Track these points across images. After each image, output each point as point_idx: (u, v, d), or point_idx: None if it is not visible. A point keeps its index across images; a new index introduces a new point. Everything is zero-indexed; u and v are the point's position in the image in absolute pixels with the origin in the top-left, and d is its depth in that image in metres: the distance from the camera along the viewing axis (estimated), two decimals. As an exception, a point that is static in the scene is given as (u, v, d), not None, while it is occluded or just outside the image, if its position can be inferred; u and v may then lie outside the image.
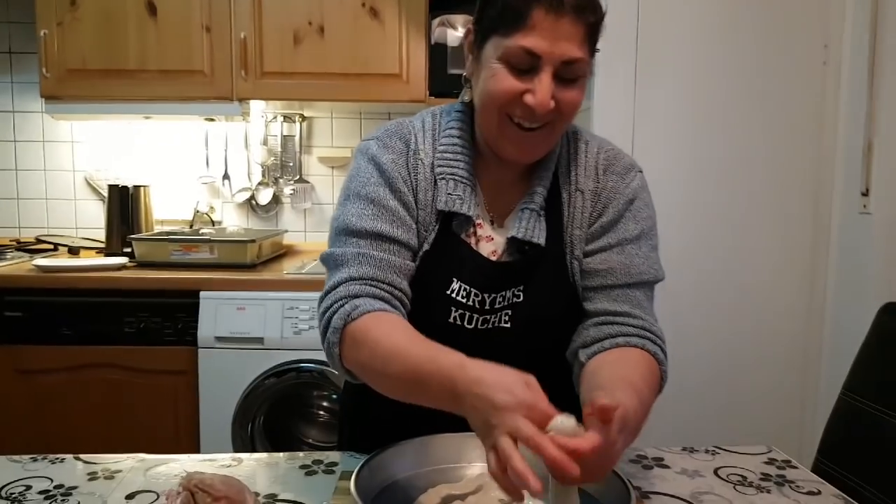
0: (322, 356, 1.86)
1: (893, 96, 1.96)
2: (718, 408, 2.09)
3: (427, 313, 0.91)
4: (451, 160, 0.94)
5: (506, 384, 0.65)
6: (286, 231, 2.57)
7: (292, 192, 2.57)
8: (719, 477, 0.92)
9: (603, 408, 0.61)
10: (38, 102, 2.50)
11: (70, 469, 0.91)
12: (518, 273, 0.93)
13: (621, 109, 2.05)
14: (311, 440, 2.11)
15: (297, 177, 2.58)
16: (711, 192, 2.10)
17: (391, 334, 0.81)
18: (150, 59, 2.21)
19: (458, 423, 0.71)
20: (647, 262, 0.93)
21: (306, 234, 2.63)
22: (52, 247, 2.43)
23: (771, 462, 0.97)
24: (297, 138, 2.57)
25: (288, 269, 2.11)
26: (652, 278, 0.94)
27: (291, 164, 2.58)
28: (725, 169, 2.10)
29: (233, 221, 2.61)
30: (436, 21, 2.15)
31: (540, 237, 0.92)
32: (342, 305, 0.84)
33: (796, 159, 2.12)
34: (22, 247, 2.42)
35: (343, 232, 0.91)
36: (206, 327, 1.94)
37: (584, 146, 0.98)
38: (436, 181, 0.93)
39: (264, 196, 2.57)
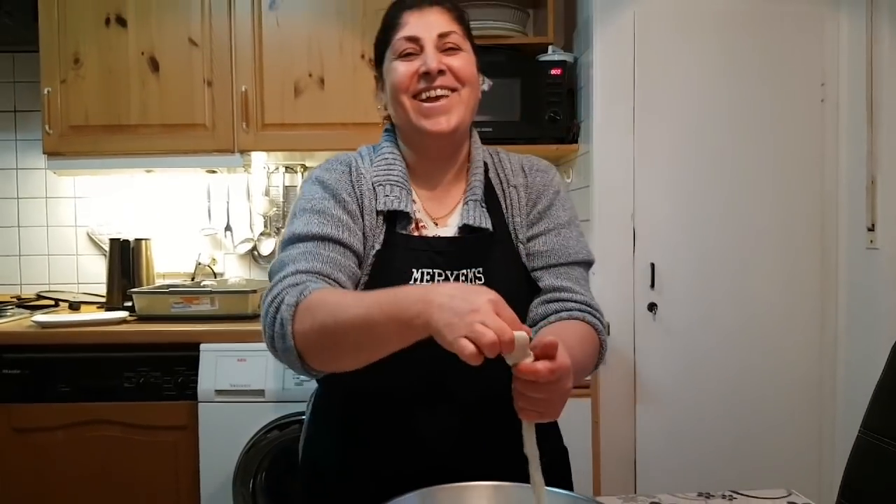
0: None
1: (893, 130, 1.96)
2: (733, 449, 2.04)
3: None
4: (385, 170, 1.04)
5: (479, 290, 0.71)
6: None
7: (294, 241, 2.56)
8: (738, 524, 0.88)
9: (548, 343, 0.70)
10: (40, 159, 2.52)
11: None
12: (473, 251, 1.02)
13: (620, 152, 2.06)
14: None
15: (299, 226, 2.58)
16: (716, 232, 2.10)
17: (342, 295, 0.87)
18: (152, 114, 2.24)
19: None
20: (580, 244, 1.08)
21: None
22: (52, 303, 2.42)
23: (791, 507, 0.94)
24: (298, 188, 2.58)
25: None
26: (585, 258, 1.08)
27: (293, 214, 2.59)
28: (729, 209, 2.10)
29: (235, 272, 2.61)
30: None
31: (489, 224, 1.03)
32: (293, 288, 0.87)
33: (800, 196, 2.12)
34: (22, 303, 2.41)
35: (289, 241, 0.97)
36: (207, 380, 1.91)
37: (506, 156, 1.13)
38: (376, 188, 1.03)
39: (266, 246, 2.57)
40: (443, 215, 1.07)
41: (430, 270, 1.00)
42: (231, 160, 2.27)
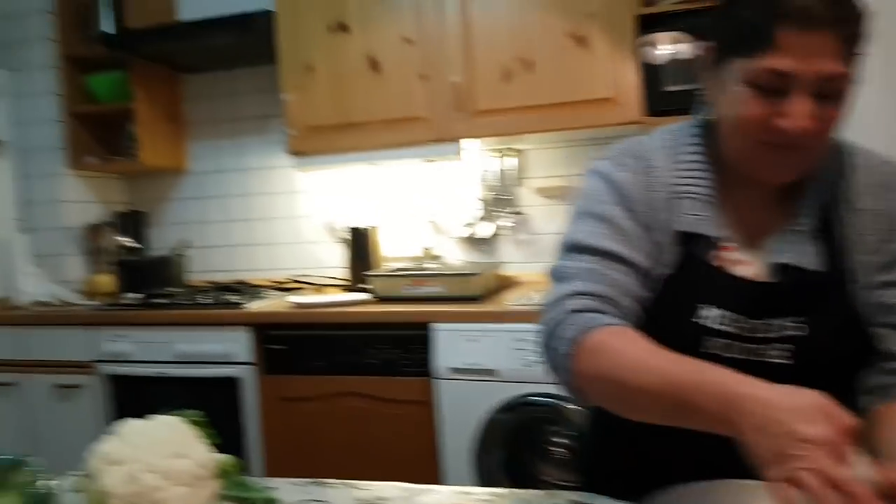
0: (551, 388, 1.91)
1: None
2: None
3: (672, 345, 0.84)
4: (690, 178, 0.89)
5: (805, 411, 0.59)
6: (506, 262, 2.65)
7: (510, 224, 2.64)
8: None
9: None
10: (283, 158, 2.84)
11: (342, 495, 0.98)
12: (791, 298, 0.85)
13: (869, 109, 1.83)
14: (547, 477, 2.11)
15: (515, 209, 2.65)
16: None
17: (634, 347, 0.76)
18: (375, 111, 2.41)
19: (724, 468, 0.67)
20: None
21: (525, 265, 2.68)
22: (301, 286, 2.73)
23: None
24: (512, 172, 2.65)
25: (511, 300, 2.17)
26: None
27: (508, 198, 2.66)
28: None
29: (455, 256, 2.75)
30: (638, 42, 2.12)
31: (815, 263, 0.84)
32: (574, 315, 0.81)
33: None
34: (278, 286, 2.75)
35: (573, 248, 0.89)
36: (441, 358, 2.05)
37: (858, 160, 0.89)
38: (674, 201, 0.89)
39: (484, 230, 2.67)
40: (755, 241, 0.90)
41: (727, 313, 0.85)
42: (447, 149, 2.38)
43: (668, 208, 0.89)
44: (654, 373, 0.71)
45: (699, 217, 0.87)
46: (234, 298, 2.41)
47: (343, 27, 2.42)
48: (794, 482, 0.56)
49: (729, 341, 0.86)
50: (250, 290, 2.58)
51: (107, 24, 2.79)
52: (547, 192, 2.63)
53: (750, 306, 0.85)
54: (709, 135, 0.92)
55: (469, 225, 2.70)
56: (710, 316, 0.85)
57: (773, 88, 0.77)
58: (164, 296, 2.51)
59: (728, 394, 0.64)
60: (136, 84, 2.74)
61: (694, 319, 0.86)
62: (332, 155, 2.51)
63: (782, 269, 0.86)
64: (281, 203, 2.95)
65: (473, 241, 2.73)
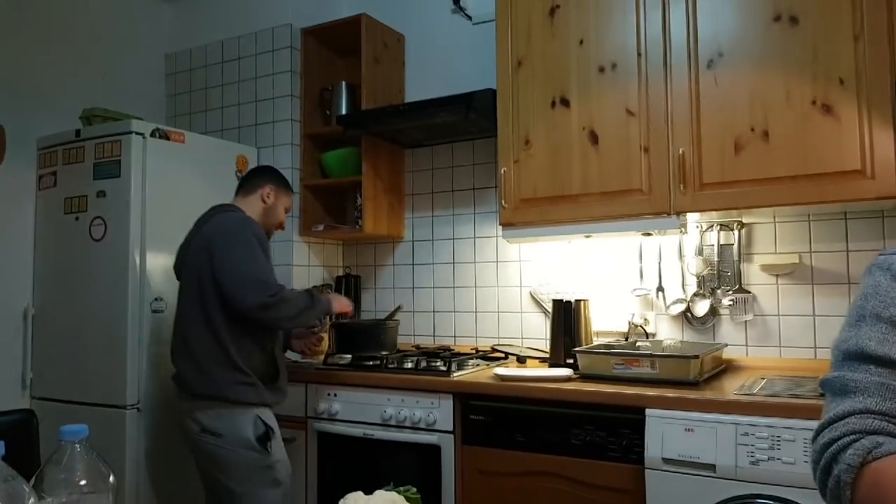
0: (782, 492, 1.67)
1: None
2: None
3: None
4: None
5: None
6: (726, 345, 2.43)
7: (731, 302, 2.44)
8: None
9: None
10: (494, 228, 2.91)
11: None
12: None
13: None
14: None
15: (737, 286, 2.44)
16: None
17: None
18: (592, 183, 2.39)
19: None
20: None
21: (748, 348, 2.45)
22: (503, 355, 2.72)
23: None
24: (735, 246, 2.46)
25: (733, 387, 1.97)
26: None
27: (729, 274, 2.47)
28: None
29: (667, 333, 2.59)
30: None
31: None
32: (857, 440, 0.73)
33: None
34: (480, 355, 2.77)
35: (856, 357, 0.80)
36: (654, 446, 1.90)
37: None
38: None
39: (700, 308, 2.50)
40: None
41: None
42: (667, 222, 2.27)
43: None
44: None
45: None
46: (439, 365, 2.45)
47: (564, 101, 2.45)
48: None
49: None
50: (454, 356, 2.62)
51: (343, 107, 3.12)
52: (775, 270, 2.40)
53: None
54: None
55: (683, 301, 2.53)
56: None
57: None
58: (374, 358, 2.62)
59: None
60: (365, 159, 2.98)
61: None
62: (543, 227, 2.51)
63: None
64: (488, 272, 3.01)
65: (689, 319, 2.55)
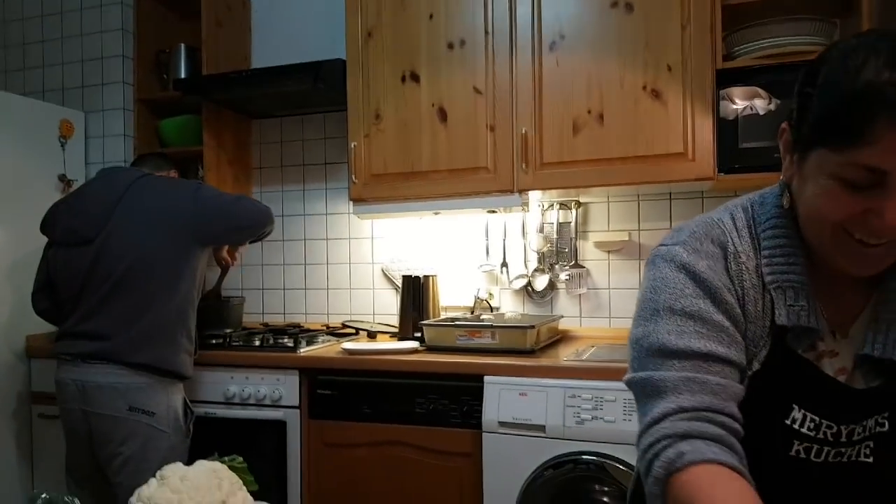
0: (603, 448, 1.87)
1: None
2: None
3: (759, 445, 0.81)
4: (781, 266, 0.83)
5: None
6: (562, 317, 2.63)
7: (567, 277, 2.64)
8: None
9: None
10: (346, 205, 2.94)
11: None
12: (881, 393, 0.81)
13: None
14: None
15: (573, 262, 2.65)
16: None
17: (725, 495, 0.69)
18: (441, 160, 2.48)
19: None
20: None
21: (581, 319, 2.67)
22: (354, 331, 2.77)
23: None
24: (572, 225, 2.66)
25: (565, 355, 2.16)
26: None
27: (567, 250, 2.67)
28: None
29: (509, 307, 2.76)
30: (715, 97, 2.13)
31: None
32: (665, 448, 0.75)
33: None
34: (330, 331, 2.80)
35: (658, 353, 0.81)
36: (490, 411, 2.04)
37: None
38: (766, 289, 0.83)
39: (540, 282, 2.68)
40: (845, 321, 0.85)
41: (817, 419, 0.81)
42: (511, 200, 2.41)
43: (760, 298, 0.84)
44: None
45: (799, 308, 0.81)
46: (287, 342, 2.47)
47: (414, 76, 2.52)
48: None
49: (819, 446, 0.83)
50: (304, 333, 2.64)
51: (182, 71, 3.00)
52: (607, 246, 2.63)
53: (841, 412, 0.82)
54: (788, 214, 0.86)
55: (526, 277, 2.70)
56: (801, 419, 0.82)
57: (864, 184, 0.72)
58: (217, 336, 2.58)
59: None
60: (207, 128, 2.89)
61: (787, 422, 0.82)
62: (393, 203, 2.57)
63: (869, 361, 0.82)
64: (340, 249, 3.04)
65: (530, 294, 2.73)
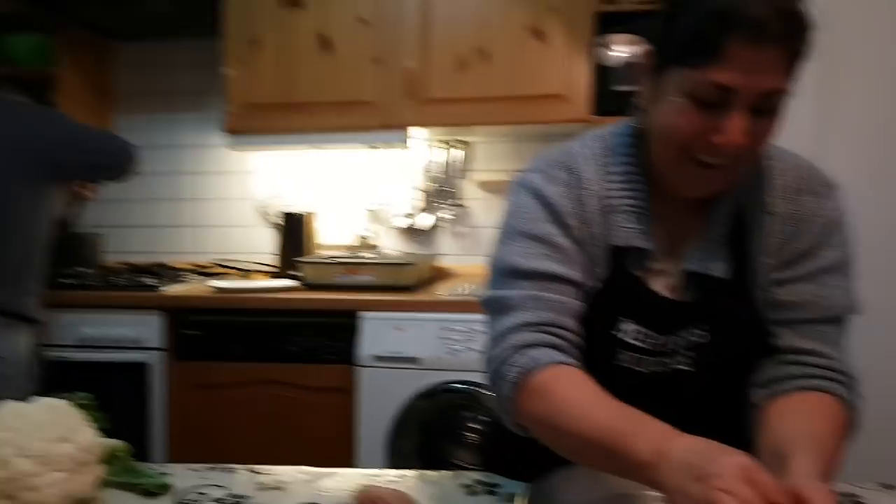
0: (475, 377, 1.91)
1: None
2: None
3: (592, 355, 0.86)
4: (624, 191, 0.89)
5: (727, 451, 0.63)
6: (443, 255, 2.65)
7: (450, 216, 2.64)
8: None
9: (803, 497, 0.60)
10: (218, 136, 2.77)
11: (243, 479, 0.97)
12: (700, 311, 0.88)
13: (801, 117, 1.89)
14: (459, 461, 2.13)
15: (455, 202, 2.65)
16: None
17: (575, 391, 0.78)
18: (323, 92, 2.39)
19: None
20: (844, 294, 0.87)
21: (462, 257, 2.70)
22: (227, 271, 2.66)
23: None
24: (456, 164, 2.65)
25: (443, 291, 2.17)
26: (847, 312, 0.87)
27: (450, 190, 2.66)
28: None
29: (393, 246, 2.74)
30: (593, 40, 2.17)
31: (722, 270, 0.87)
32: (516, 355, 0.81)
33: None
34: (200, 271, 2.67)
35: (508, 274, 0.87)
36: (366, 346, 2.04)
37: (774, 163, 0.90)
38: (607, 213, 0.89)
39: (423, 221, 2.67)
40: (679, 242, 0.91)
41: (641, 329, 0.88)
42: (394, 136, 2.37)
43: (601, 222, 0.89)
44: (591, 422, 0.73)
45: (633, 230, 0.88)
46: (149, 281, 2.33)
47: (295, 1, 2.38)
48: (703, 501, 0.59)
49: (640, 356, 0.89)
50: (170, 273, 2.50)
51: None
52: (489, 187, 2.65)
53: (661, 322, 0.88)
54: (640, 143, 0.91)
55: (409, 215, 2.68)
56: (627, 330, 0.88)
57: (713, 102, 0.76)
58: (70, 276, 2.40)
59: (661, 440, 0.67)
60: (61, 48, 2.63)
61: (613, 332, 0.88)
62: (271, 135, 2.46)
63: (693, 277, 0.88)
64: (213, 183, 2.88)
65: (413, 232, 2.72)
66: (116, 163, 2.11)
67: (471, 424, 2.02)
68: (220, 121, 2.52)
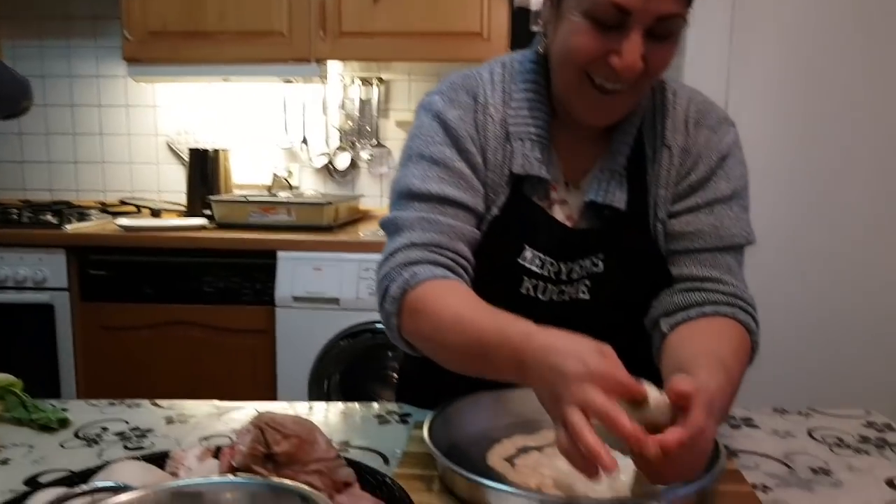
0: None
1: None
2: (811, 371, 2.01)
3: (496, 284, 0.89)
4: (525, 118, 0.90)
5: (577, 352, 0.63)
6: (363, 196, 2.64)
7: (369, 156, 2.62)
8: (813, 438, 0.91)
9: (681, 394, 0.60)
10: (120, 67, 2.63)
11: (147, 413, 0.96)
12: (597, 240, 0.90)
13: (714, 61, 1.97)
14: (384, 400, 2.16)
15: (375, 141, 2.63)
16: (811, 150, 2.00)
17: (452, 303, 0.79)
18: (230, 21, 2.30)
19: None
20: (739, 224, 0.90)
21: (382, 199, 2.69)
22: (135, 209, 2.57)
23: (870, 425, 0.95)
24: (374, 102, 2.62)
25: (364, 232, 2.18)
26: (743, 241, 0.90)
27: (369, 129, 2.63)
28: (826, 127, 1.99)
29: (310, 186, 2.70)
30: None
31: (620, 201, 0.88)
32: (400, 273, 0.83)
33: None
34: (106, 209, 2.57)
35: (405, 195, 0.89)
36: (284, 287, 2.04)
37: (673, 97, 0.92)
38: (508, 140, 0.90)
39: (342, 161, 2.64)
40: (580, 174, 0.93)
41: (542, 256, 0.89)
42: (307, 69, 2.31)
43: (501, 148, 0.90)
44: (466, 329, 0.75)
45: (533, 158, 0.88)
46: (52, 219, 2.23)
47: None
48: (563, 422, 0.60)
49: (543, 283, 0.91)
50: (73, 211, 2.40)
51: None
52: (409, 126, 2.61)
53: (561, 250, 0.90)
54: (543, 69, 0.91)
55: (326, 155, 2.65)
56: (530, 257, 0.90)
57: (611, 23, 0.77)
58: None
59: (519, 349, 0.68)
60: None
61: (519, 260, 0.90)
62: (175, 65, 2.35)
63: (593, 208, 0.90)
64: (117, 117, 2.75)
65: (331, 172, 2.68)
66: (4, 96, 1.97)
67: (395, 364, 2.04)
68: (119, 49, 2.39)
